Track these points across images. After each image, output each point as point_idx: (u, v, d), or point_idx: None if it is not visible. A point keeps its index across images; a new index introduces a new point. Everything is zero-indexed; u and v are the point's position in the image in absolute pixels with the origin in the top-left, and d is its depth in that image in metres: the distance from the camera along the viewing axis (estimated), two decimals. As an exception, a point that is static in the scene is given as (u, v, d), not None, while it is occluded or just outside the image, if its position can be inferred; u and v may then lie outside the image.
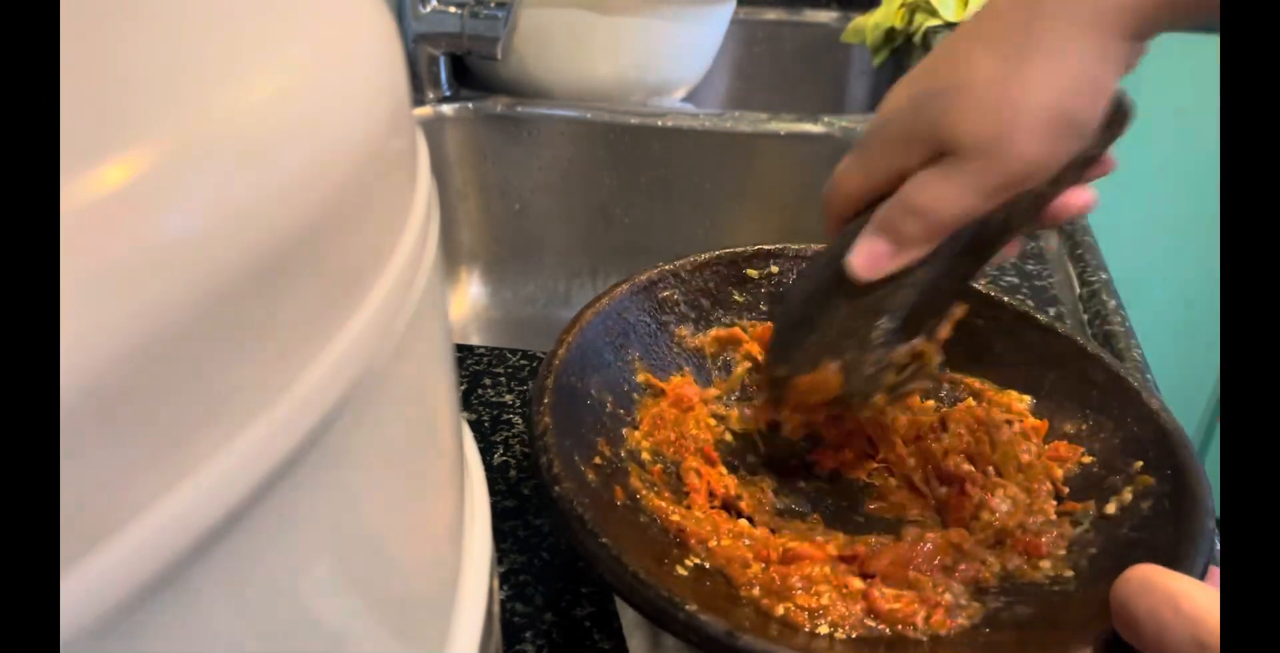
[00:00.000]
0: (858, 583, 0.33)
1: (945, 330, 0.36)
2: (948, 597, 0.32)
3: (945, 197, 0.30)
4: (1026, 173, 0.29)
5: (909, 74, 0.32)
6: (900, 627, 0.31)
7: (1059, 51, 0.28)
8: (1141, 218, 1.26)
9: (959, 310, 0.37)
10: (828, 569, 0.33)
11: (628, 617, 0.35)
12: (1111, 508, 0.35)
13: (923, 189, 0.30)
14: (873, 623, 0.31)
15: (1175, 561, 0.30)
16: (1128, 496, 0.35)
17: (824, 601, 0.32)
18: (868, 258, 0.31)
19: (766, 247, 0.46)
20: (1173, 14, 0.27)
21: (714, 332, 0.44)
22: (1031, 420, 0.40)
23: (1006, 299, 0.44)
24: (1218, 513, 0.32)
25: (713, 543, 0.34)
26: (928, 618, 0.32)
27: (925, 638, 0.31)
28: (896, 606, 0.32)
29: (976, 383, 0.43)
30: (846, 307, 0.34)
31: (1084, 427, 0.39)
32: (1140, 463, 0.36)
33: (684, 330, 0.44)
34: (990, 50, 0.28)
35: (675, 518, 0.35)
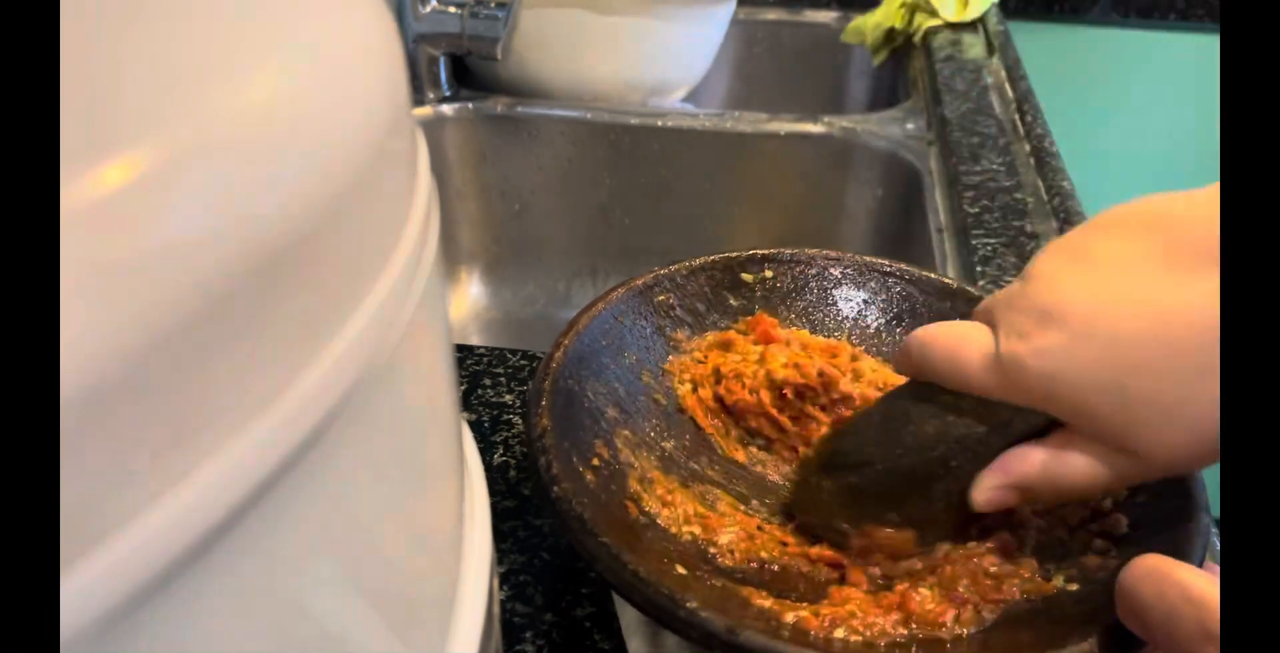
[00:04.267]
0: (893, 596, 0.33)
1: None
2: (975, 595, 0.32)
3: (1093, 482, 0.29)
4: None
5: (1099, 329, 0.27)
6: (930, 629, 0.31)
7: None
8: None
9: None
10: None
11: (627, 618, 0.35)
12: (1107, 504, 0.35)
13: (1074, 471, 0.29)
14: (903, 630, 0.31)
15: (1173, 556, 0.30)
16: (1123, 492, 0.35)
17: (851, 608, 0.32)
18: (993, 503, 0.31)
19: (761, 251, 0.47)
20: None
21: (710, 335, 0.45)
22: None
23: None
24: (1214, 510, 0.32)
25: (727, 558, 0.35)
26: (957, 617, 0.32)
27: (949, 638, 0.31)
28: (931, 606, 0.32)
29: None
30: (935, 491, 0.33)
31: None
32: None
33: (680, 334, 0.44)
34: (1204, 373, 0.26)
35: (661, 512, 0.36)
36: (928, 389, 0.33)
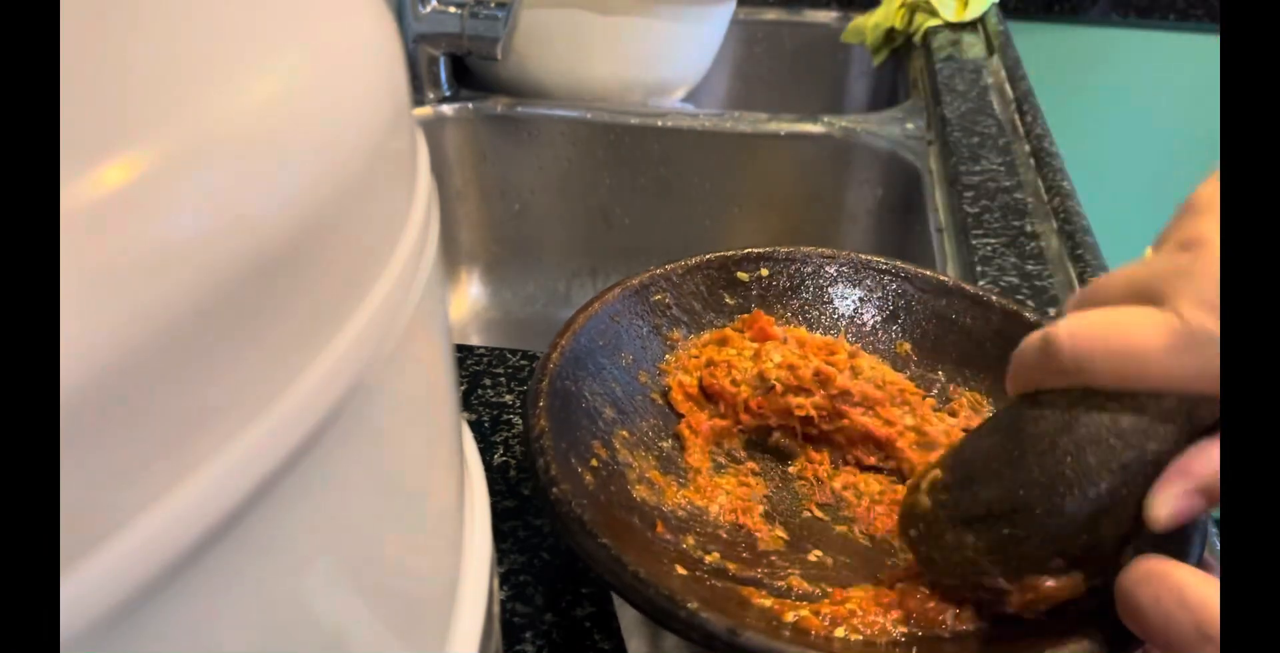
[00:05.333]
0: (892, 594, 0.33)
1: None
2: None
3: None
4: None
5: None
6: (929, 627, 0.31)
7: None
8: (1142, 217, 1.26)
9: None
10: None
11: (627, 619, 0.35)
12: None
13: None
14: (903, 629, 0.31)
15: (1169, 550, 0.30)
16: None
17: (851, 607, 0.32)
18: (1179, 516, 0.27)
19: (756, 250, 0.47)
20: None
21: (706, 334, 0.45)
22: None
23: (994, 299, 0.44)
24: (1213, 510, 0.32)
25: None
26: (957, 615, 0.32)
27: (949, 636, 0.31)
28: (930, 605, 0.32)
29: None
30: (1104, 525, 0.28)
31: None
32: None
33: (676, 334, 0.44)
34: None
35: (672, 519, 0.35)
36: (1062, 401, 0.28)
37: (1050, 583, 0.29)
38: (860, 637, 0.31)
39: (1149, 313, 0.25)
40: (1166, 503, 0.26)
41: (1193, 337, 0.24)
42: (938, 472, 0.32)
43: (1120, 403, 0.26)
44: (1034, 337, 0.28)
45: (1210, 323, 0.24)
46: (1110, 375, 0.26)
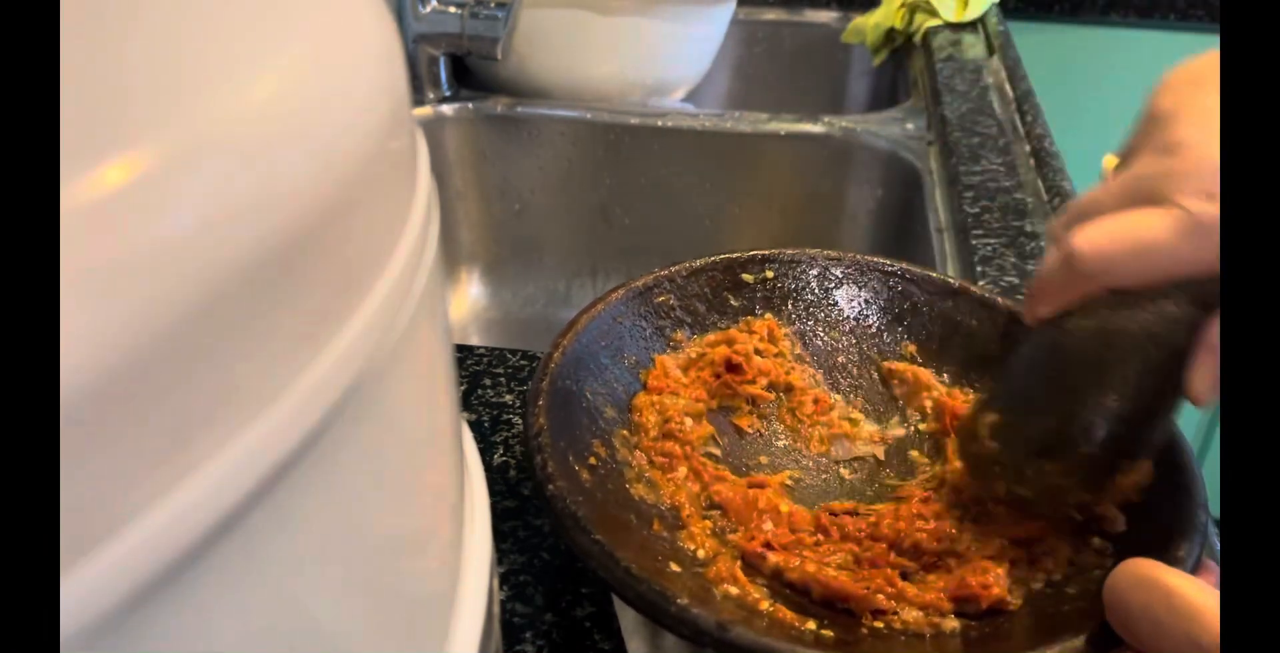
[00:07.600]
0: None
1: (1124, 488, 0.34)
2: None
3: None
4: None
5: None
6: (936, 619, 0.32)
7: None
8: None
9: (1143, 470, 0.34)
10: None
11: (627, 619, 0.35)
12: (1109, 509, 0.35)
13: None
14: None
15: (1169, 554, 0.30)
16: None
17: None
18: (1218, 387, 0.29)
19: (761, 251, 0.47)
20: None
21: (710, 336, 0.45)
22: None
23: (1000, 300, 0.44)
24: (1213, 510, 0.32)
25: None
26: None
27: (930, 634, 0.31)
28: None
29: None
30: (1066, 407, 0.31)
31: None
32: None
33: (680, 335, 0.44)
34: None
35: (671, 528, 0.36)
36: (1091, 320, 0.30)
37: (1128, 480, 0.32)
38: (833, 634, 0.31)
39: (1153, 212, 0.28)
40: (1204, 378, 0.29)
41: (1200, 224, 0.26)
42: (993, 415, 0.34)
43: (1144, 308, 0.29)
44: (1049, 258, 0.31)
45: (1212, 209, 0.26)
46: (1134, 273, 0.28)
